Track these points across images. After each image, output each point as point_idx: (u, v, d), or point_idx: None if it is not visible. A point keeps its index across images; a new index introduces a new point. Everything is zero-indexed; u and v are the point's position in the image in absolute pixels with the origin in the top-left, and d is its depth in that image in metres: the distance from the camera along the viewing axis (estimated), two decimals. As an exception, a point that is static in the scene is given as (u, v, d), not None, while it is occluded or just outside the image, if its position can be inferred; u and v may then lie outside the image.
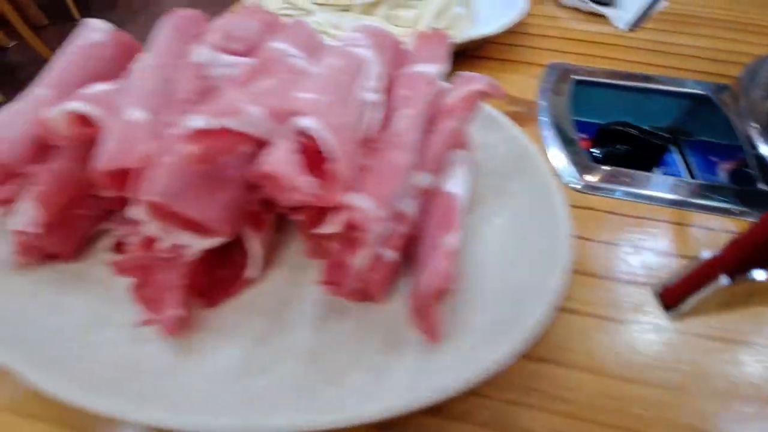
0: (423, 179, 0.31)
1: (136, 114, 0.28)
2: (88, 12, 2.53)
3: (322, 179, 0.23)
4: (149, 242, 0.29)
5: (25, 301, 0.30)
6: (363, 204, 0.24)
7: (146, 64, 0.31)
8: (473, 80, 0.35)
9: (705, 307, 0.12)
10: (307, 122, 0.22)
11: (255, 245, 0.31)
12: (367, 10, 0.57)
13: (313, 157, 0.24)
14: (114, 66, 0.37)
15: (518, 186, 0.37)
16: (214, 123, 0.23)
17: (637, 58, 0.63)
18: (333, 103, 0.24)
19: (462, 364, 0.25)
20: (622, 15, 0.70)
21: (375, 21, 0.57)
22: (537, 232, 0.33)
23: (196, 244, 0.29)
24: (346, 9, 0.58)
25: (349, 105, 0.26)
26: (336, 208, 0.24)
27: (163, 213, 0.26)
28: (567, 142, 0.46)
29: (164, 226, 0.27)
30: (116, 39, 0.37)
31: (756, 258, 0.11)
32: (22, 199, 0.31)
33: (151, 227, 0.27)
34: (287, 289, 0.32)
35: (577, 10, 0.72)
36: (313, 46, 0.33)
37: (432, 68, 0.34)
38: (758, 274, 0.11)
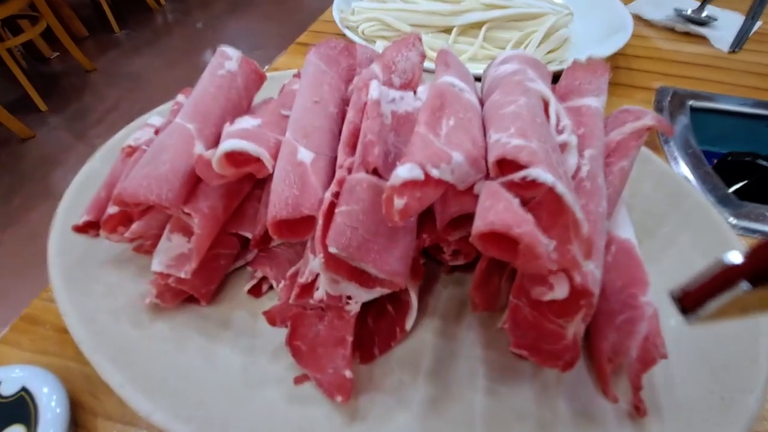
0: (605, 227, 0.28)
1: (307, 155, 0.26)
2: (125, 24, 2.59)
3: (555, 238, 0.20)
4: (305, 289, 0.27)
5: (170, 350, 0.27)
6: (590, 266, 0.21)
7: (306, 99, 0.29)
8: (640, 114, 0.32)
9: (724, 311, 0.12)
10: (541, 175, 0.19)
11: (413, 295, 0.28)
12: (466, 31, 0.55)
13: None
14: (245, 95, 0.35)
15: (677, 227, 0.34)
16: (421, 173, 0.21)
17: (744, 82, 0.59)
18: (548, 151, 0.22)
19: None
20: (721, 36, 0.66)
21: (471, 43, 0.54)
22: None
23: (363, 296, 0.26)
24: (442, 30, 0.56)
25: (556, 151, 0.23)
26: (560, 271, 0.21)
27: (338, 265, 0.24)
28: (703, 176, 0.43)
29: (333, 277, 0.25)
30: (245, 67, 0.36)
31: None
32: (166, 237, 0.29)
33: (322, 279, 0.25)
34: (442, 344, 0.29)
35: (671, 30, 0.68)
36: (469, 78, 0.31)
37: (598, 102, 0.31)
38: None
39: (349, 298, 0.26)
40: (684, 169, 0.44)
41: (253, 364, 0.27)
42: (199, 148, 0.30)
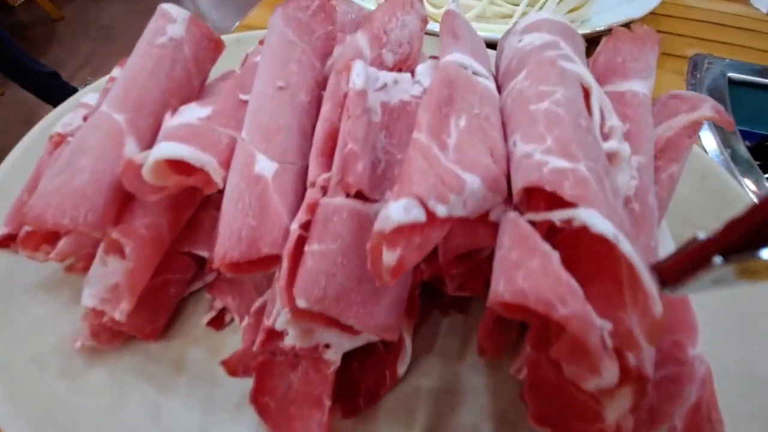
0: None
1: (268, 167, 0.19)
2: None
3: (601, 299, 0.14)
4: (272, 334, 0.21)
5: (109, 408, 0.22)
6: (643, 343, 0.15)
7: (267, 83, 0.21)
8: (695, 103, 0.25)
9: (699, 284, 0.13)
10: (598, 223, 0.13)
11: (407, 337, 0.23)
12: (472, -17, 0.46)
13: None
14: (195, 71, 0.27)
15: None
16: (421, 212, 0.15)
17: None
18: (601, 177, 0.15)
19: None
20: (764, -8, 0.57)
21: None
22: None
23: (344, 344, 0.21)
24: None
25: (609, 174, 0.17)
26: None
27: (312, 315, 0.18)
28: (746, 167, 0.37)
29: (306, 327, 0.19)
30: (195, 33, 0.28)
31: (750, 240, 0.12)
32: (100, 260, 0.23)
33: (291, 331, 0.19)
34: (441, 392, 0.24)
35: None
36: (483, 54, 0.24)
37: (646, 87, 0.24)
38: (749, 256, 0.11)
39: (327, 346, 0.21)
40: (723, 160, 0.38)
41: (213, 423, 0.22)
42: (130, 147, 0.23)
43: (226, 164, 0.21)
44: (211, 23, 0.67)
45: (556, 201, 0.15)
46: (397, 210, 0.14)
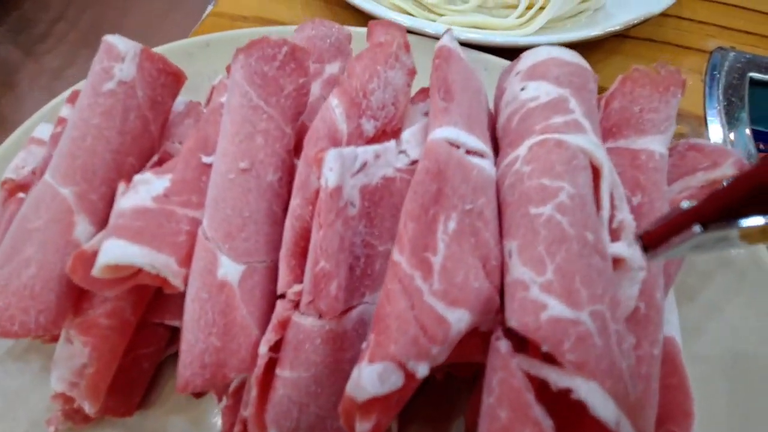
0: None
1: (233, 270, 0.17)
2: None
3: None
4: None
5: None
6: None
7: (229, 163, 0.19)
8: (717, 157, 0.22)
9: (680, 250, 0.14)
10: (597, 407, 0.12)
11: (394, 425, 0.22)
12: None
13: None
14: (153, 116, 0.24)
15: (724, 291, 0.27)
16: (399, 378, 0.13)
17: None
18: (607, 322, 0.13)
19: None
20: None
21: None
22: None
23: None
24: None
25: (617, 305, 0.15)
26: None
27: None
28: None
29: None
30: (148, 68, 0.24)
31: (730, 210, 0.13)
32: (65, 339, 0.22)
33: None
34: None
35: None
36: (481, 107, 0.21)
37: (663, 144, 0.22)
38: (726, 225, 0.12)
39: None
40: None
41: None
42: (81, 228, 0.20)
43: (187, 260, 0.18)
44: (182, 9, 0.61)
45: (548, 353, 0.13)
46: (371, 379, 0.13)
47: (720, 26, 0.46)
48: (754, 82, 0.42)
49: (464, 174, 0.17)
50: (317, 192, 0.17)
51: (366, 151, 0.18)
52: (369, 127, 0.19)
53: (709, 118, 0.39)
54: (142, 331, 0.23)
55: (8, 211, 0.24)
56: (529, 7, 0.39)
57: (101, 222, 0.21)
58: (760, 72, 0.42)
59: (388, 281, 0.15)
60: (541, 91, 0.21)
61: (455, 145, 0.18)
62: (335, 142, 0.18)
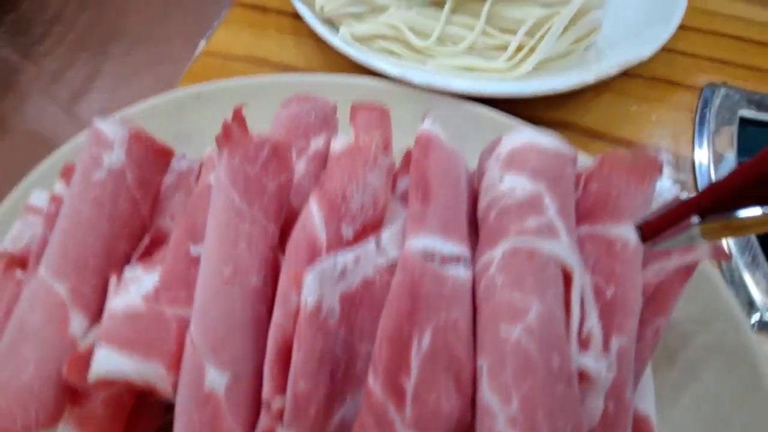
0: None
1: (219, 380, 0.18)
2: None
3: None
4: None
5: None
6: None
7: (213, 271, 0.19)
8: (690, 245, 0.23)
9: (677, 240, 0.14)
10: None
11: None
12: (464, 5, 0.40)
13: None
14: (142, 197, 0.25)
15: (703, 352, 0.28)
16: None
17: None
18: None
19: None
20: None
21: (470, 26, 0.40)
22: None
23: None
24: (432, 3, 0.41)
25: None
26: None
27: None
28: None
29: None
30: (137, 152, 0.25)
31: (726, 202, 0.13)
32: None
33: None
34: None
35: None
36: (457, 214, 0.21)
37: (631, 232, 0.22)
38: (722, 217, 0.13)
39: None
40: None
41: None
42: (76, 323, 0.21)
43: (176, 363, 0.19)
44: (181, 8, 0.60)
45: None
46: None
47: (713, 59, 0.45)
48: (744, 121, 0.42)
49: (438, 289, 0.18)
50: (298, 307, 0.18)
51: (345, 257, 0.19)
52: (348, 232, 0.20)
53: (697, 161, 0.39)
54: (140, 409, 0.24)
55: (6, 292, 0.25)
56: (518, 50, 0.39)
57: (95, 314, 0.22)
58: (750, 108, 0.42)
59: (362, 412, 0.15)
60: (518, 185, 0.21)
61: (430, 256, 0.19)
62: (315, 252, 0.19)
